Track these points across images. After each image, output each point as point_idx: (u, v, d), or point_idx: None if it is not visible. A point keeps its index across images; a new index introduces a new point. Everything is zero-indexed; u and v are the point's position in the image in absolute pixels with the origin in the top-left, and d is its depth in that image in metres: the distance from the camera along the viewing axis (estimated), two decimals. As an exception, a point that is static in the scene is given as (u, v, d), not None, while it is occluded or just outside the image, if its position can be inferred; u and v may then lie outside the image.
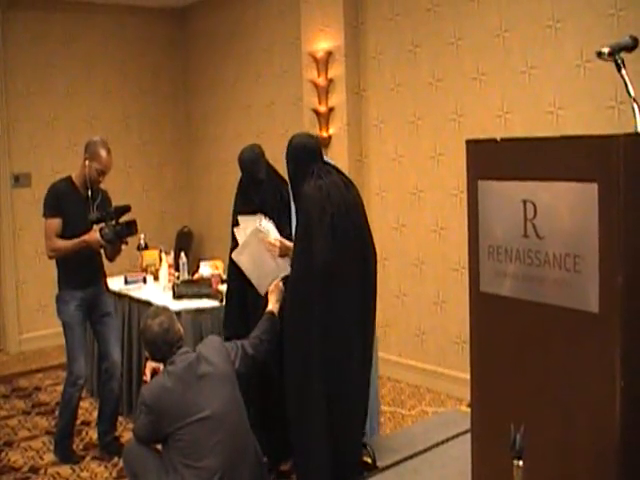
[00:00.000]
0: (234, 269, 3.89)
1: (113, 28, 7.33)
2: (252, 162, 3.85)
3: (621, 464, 1.82)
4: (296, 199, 3.54)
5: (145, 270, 5.28)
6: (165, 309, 3.33)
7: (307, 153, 3.51)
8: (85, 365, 4.25)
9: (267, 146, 4.02)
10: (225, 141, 7.26)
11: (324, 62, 5.64)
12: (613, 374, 1.81)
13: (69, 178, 4.21)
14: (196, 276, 4.99)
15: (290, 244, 3.60)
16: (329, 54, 5.63)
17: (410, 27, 5.25)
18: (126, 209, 4.16)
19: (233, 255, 3.83)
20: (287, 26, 6.30)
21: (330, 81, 5.65)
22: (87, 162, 4.13)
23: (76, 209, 4.13)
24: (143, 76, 7.57)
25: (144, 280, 5.09)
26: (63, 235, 4.10)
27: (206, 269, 5.01)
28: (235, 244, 3.86)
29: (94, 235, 4.05)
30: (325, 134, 5.64)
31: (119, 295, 4.90)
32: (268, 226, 3.71)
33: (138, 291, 4.87)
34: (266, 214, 3.75)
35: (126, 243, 4.21)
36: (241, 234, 3.79)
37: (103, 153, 4.13)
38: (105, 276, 4.41)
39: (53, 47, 6.94)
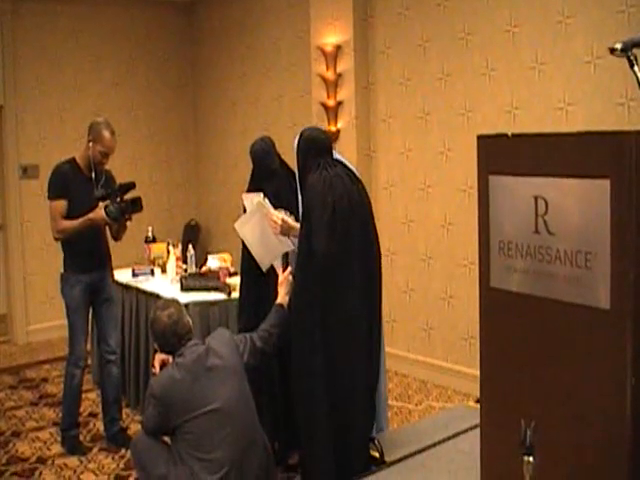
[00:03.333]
0: (248, 261, 3.88)
1: (122, 20, 7.34)
2: (264, 153, 3.85)
3: (632, 460, 1.82)
4: (302, 190, 3.56)
5: (153, 262, 5.30)
6: (174, 301, 3.35)
7: (317, 147, 3.53)
8: (86, 347, 4.26)
9: (275, 140, 4.01)
10: (233, 134, 7.26)
11: (333, 56, 5.63)
12: (624, 371, 1.81)
13: (73, 159, 4.21)
14: (204, 269, 4.99)
15: (293, 224, 3.62)
16: (338, 48, 5.62)
17: (420, 22, 5.24)
18: (131, 186, 4.14)
19: (236, 225, 3.80)
20: (296, 19, 6.29)
21: (339, 75, 5.64)
22: (91, 144, 4.12)
23: (81, 190, 4.12)
24: (151, 68, 7.58)
25: (152, 272, 5.10)
26: (68, 216, 4.10)
27: (214, 262, 5.02)
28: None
29: (99, 212, 4.05)
30: (333, 128, 5.63)
31: (127, 287, 4.92)
32: (268, 205, 3.70)
33: (146, 283, 4.88)
34: (280, 205, 3.74)
35: (130, 220, 4.20)
36: (248, 205, 3.79)
37: (107, 135, 4.11)
38: (111, 261, 4.41)
39: (62, 39, 6.95)
